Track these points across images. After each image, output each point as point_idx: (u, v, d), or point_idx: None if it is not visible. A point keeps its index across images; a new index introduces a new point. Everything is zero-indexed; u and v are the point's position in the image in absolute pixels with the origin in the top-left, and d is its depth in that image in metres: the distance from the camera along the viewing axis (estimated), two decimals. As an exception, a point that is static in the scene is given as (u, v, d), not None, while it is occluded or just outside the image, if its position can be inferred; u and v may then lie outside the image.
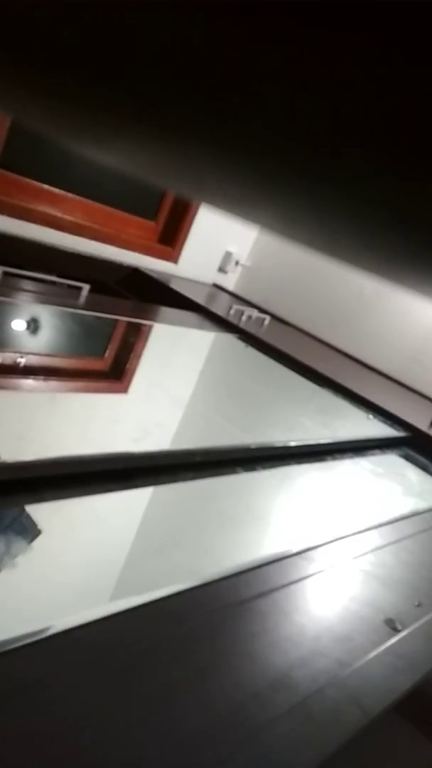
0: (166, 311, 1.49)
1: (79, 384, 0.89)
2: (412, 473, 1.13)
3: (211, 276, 2.21)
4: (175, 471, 0.72)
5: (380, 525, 0.81)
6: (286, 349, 1.50)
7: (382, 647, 0.54)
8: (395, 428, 1.26)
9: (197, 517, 0.71)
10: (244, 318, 1.72)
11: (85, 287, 1.23)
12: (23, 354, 0.86)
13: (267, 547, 0.68)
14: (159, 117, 0.10)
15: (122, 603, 0.46)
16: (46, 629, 0.41)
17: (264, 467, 0.85)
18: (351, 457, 1.05)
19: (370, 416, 1.29)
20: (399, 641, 0.56)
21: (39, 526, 0.52)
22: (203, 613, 0.49)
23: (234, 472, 0.80)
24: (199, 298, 1.74)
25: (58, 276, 1.24)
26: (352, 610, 0.58)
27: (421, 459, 1.21)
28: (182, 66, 0.09)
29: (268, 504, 0.80)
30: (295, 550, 0.65)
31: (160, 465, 0.71)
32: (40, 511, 0.54)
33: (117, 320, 1.27)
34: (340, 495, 0.92)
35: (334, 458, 1.02)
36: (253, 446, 0.86)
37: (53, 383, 0.82)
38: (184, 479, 0.72)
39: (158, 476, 0.70)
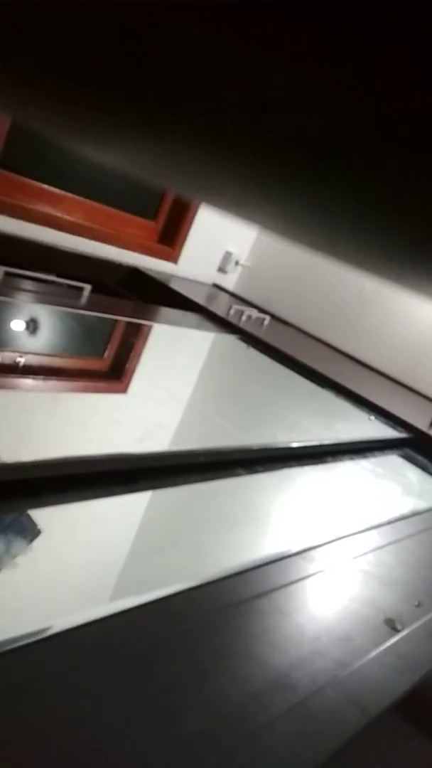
0: (167, 312, 1.49)
1: (81, 384, 0.89)
2: (413, 474, 1.13)
3: (211, 276, 2.21)
4: (175, 472, 0.72)
5: (380, 525, 0.81)
6: (287, 349, 1.50)
7: (382, 647, 0.54)
8: (396, 429, 1.26)
9: (198, 518, 0.71)
10: (243, 318, 1.73)
11: (87, 287, 1.23)
12: (25, 354, 0.86)
13: (268, 547, 0.68)
14: (159, 117, 0.10)
15: (122, 603, 0.46)
16: (46, 629, 0.41)
17: (265, 468, 0.85)
18: (352, 458, 1.05)
19: (372, 417, 1.29)
20: (399, 641, 0.56)
21: (39, 526, 0.52)
22: (203, 613, 0.49)
23: (235, 473, 0.80)
24: (199, 298, 1.74)
25: (59, 276, 1.24)
26: (352, 610, 0.58)
27: (422, 459, 1.21)
28: (182, 67, 0.09)
29: (269, 505, 0.80)
30: (295, 550, 0.65)
31: (161, 466, 0.71)
32: (39, 511, 0.54)
33: (119, 321, 1.27)
34: (341, 496, 0.92)
35: (336, 459, 1.02)
36: (254, 447, 0.86)
37: (55, 383, 0.82)
38: (185, 480, 0.72)
39: (158, 477, 0.70)
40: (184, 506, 0.71)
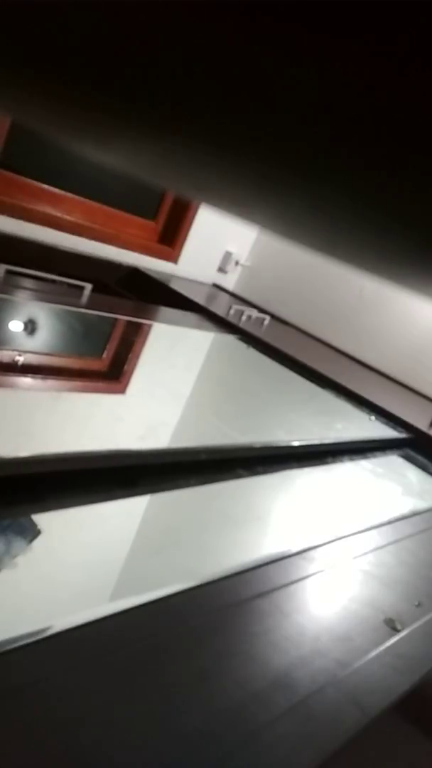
0: (167, 311, 1.49)
1: (81, 383, 0.89)
2: (413, 474, 1.13)
3: (211, 276, 2.21)
4: (176, 470, 0.72)
5: (380, 525, 0.81)
6: (287, 349, 1.50)
7: (382, 647, 0.54)
8: (397, 429, 1.26)
9: (198, 518, 0.71)
10: (243, 318, 1.73)
11: (88, 287, 1.23)
12: (26, 352, 0.86)
13: (268, 547, 0.68)
14: (159, 117, 0.10)
15: (122, 603, 0.46)
16: (46, 629, 0.41)
17: (266, 468, 0.85)
18: (352, 458, 1.05)
19: (372, 417, 1.29)
20: (399, 641, 0.56)
21: (38, 526, 0.52)
22: (203, 613, 0.49)
23: (236, 473, 0.80)
24: (199, 298, 1.74)
25: (59, 276, 1.24)
26: (351, 610, 0.58)
27: (422, 459, 1.21)
28: (182, 67, 0.09)
29: (269, 505, 0.80)
30: (295, 550, 0.65)
31: (161, 463, 0.71)
32: (40, 512, 0.54)
33: (119, 320, 1.27)
34: (342, 496, 0.92)
35: (336, 459, 1.02)
36: (255, 446, 0.86)
37: (55, 382, 0.82)
38: (185, 480, 0.72)
39: (159, 475, 0.69)
40: (184, 507, 0.71)
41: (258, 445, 0.87)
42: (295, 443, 0.94)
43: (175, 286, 1.78)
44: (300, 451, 0.95)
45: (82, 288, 1.23)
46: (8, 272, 1.12)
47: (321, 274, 2.07)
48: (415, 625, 0.60)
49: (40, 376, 0.82)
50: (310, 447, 0.97)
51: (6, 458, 0.55)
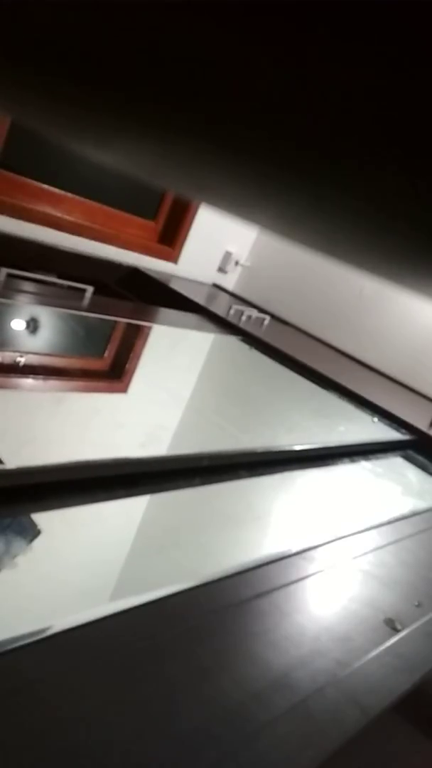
0: (170, 313, 1.49)
1: (83, 387, 0.89)
2: (414, 475, 1.13)
3: (210, 276, 2.21)
4: (178, 475, 0.72)
5: (380, 525, 0.81)
6: (287, 349, 1.50)
7: (382, 647, 0.54)
8: (399, 431, 1.26)
9: (199, 519, 0.71)
10: (243, 318, 1.72)
11: (89, 289, 1.23)
12: (28, 356, 0.86)
13: (269, 547, 0.68)
14: (159, 117, 0.10)
15: (122, 603, 0.46)
16: (46, 629, 0.41)
17: (269, 471, 0.85)
18: (355, 461, 1.05)
19: (375, 419, 1.29)
20: (399, 641, 0.56)
21: (38, 526, 0.52)
22: (203, 613, 0.49)
23: (238, 475, 0.80)
24: (199, 299, 1.74)
25: (58, 276, 1.24)
26: (351, 610, 0.58)
27: (423, 460, 1.21)
28: (183, 67, 0.09)
29: (271, 506, 0.80)
30: (295, 550, 0.65)
31: (164, 470, 0.71)
32: (40, 512, 0.54)
33: (121, 323, 1.27)
34: (345, 498, 0.92)
35: (339, 462, 1.02)
36: (258, 450, 0.86)
37: (57, 387, 0.82)
38: (187, 482, 0.72)
39: (161, 480, 0.69)
40: (185, 507, 0.71)
41: (261, 449, 0.87)
42: (298, 447, 0.94)
43: (175, 286, 1.78)
44: (303, 454, 0.95)
45: (83, 291, 1.23)
46: (9, 276, 1.11)
47: (321, 274, 2.07)
48: (415, 625, 0.60)
49: (42, 381, 0.82)
50: (313, 450, 0.97)
51: (8, 469, 0.54)
